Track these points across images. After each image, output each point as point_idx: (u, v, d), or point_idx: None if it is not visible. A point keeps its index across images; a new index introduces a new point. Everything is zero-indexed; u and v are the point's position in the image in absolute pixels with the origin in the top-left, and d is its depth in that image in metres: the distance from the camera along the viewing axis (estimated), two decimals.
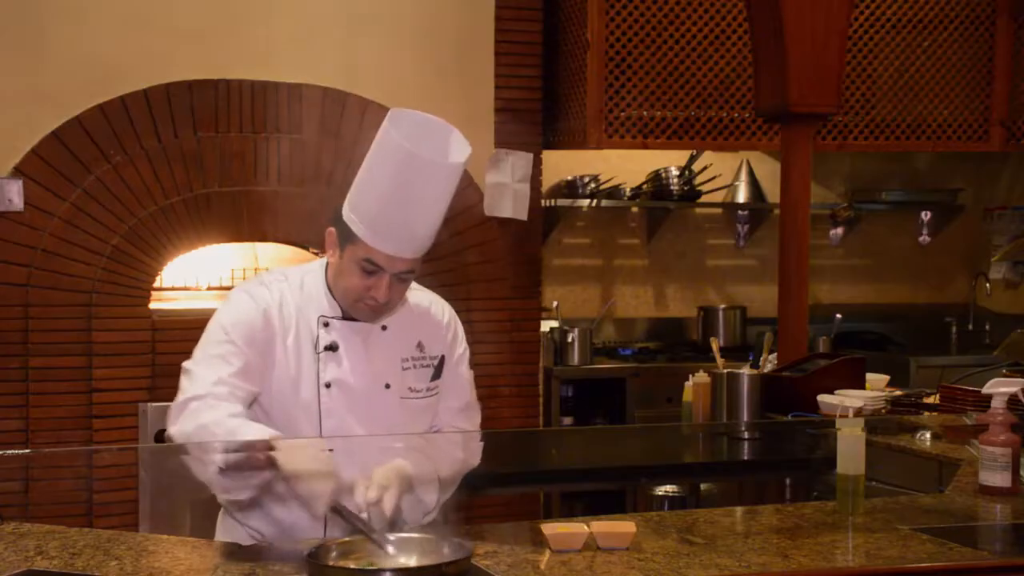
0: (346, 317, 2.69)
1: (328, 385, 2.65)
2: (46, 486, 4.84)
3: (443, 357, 2.80)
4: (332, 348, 2.67)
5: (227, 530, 2.73)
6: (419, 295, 2.82)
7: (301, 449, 2.47)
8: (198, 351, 2.64)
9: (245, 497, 2.54)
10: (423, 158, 2.52)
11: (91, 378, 4.93)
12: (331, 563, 2.20)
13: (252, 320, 2.63)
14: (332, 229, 2.64)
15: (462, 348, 2.86)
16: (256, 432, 2.46)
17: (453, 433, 2.87)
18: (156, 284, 5.17)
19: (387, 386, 2.71)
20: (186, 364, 2.63)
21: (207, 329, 2.66)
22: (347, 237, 2.60)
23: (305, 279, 2.73)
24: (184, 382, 2.59)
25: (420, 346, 2.77)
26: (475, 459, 2.87)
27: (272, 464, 2.42)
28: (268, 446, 2.43)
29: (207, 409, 2.50)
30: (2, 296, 4.85)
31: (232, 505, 2.70)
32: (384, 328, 2.72)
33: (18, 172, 4.85)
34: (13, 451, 4.83)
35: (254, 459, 2.46)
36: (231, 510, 2.73)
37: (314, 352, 2.66)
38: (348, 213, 2.60)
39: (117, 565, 2.28)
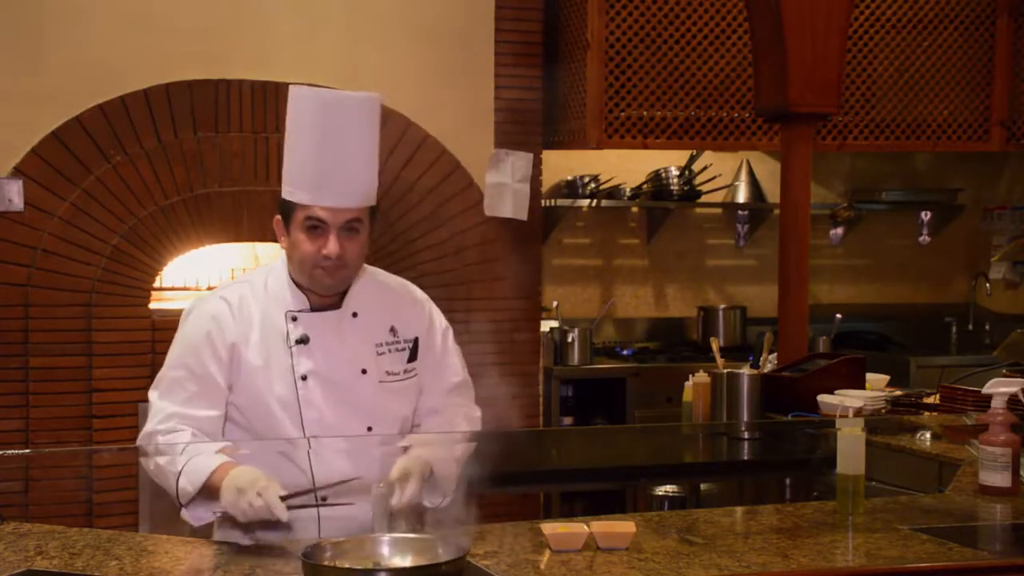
0: (314, 309, 2.71)
1: (304, 377, 2.67)
2: (46, 486, 4.84)
3: (417, 339, 2.81)
4: (303, 341, 2.68)
5: (224, 534, 2.73)
6: (388, 278, 2.88)
7: (230, 479, 2.48)
8: (159, 376, 2.73)
9: (217, 517, 2.58)
10: (333, 97, 2.67)
11: (91, 378, 4.93)
12: (325, 562, 2.20)
13: (199, 337, 2.68)
14: (277, 216, 2.71)
15: (443, 325, 2.89)
16: (204, 465, 2.52)
17: (455, 416, 2.89)
18: (156, 284, 5.18)
19: (363, 372, 2.72)
20: (150, 392, 2.71)
21: (168, 351, 2.75)
22: (289, 211, 2.65)
23: (268, 279, 2.76)
24: (149, 413, 2.68)
25: (393, 330, 2.78)
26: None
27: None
28: (210, 481, 2.50)
29: (163, 449, 2.59)
30: (2, 296, 4.85)
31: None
32: (355, 315, 2.74)
33: (18, 172, 4.85)
34: (13, 451, 4.83)
35: (205, 492, 2.54)
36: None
37: (286, 347, 2.67)
38: (285, 188, 2.67)
39: (117, 565, 2.28)
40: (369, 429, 2.71)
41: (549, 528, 2.43)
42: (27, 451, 4.87)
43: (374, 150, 2.70)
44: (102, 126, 4.96)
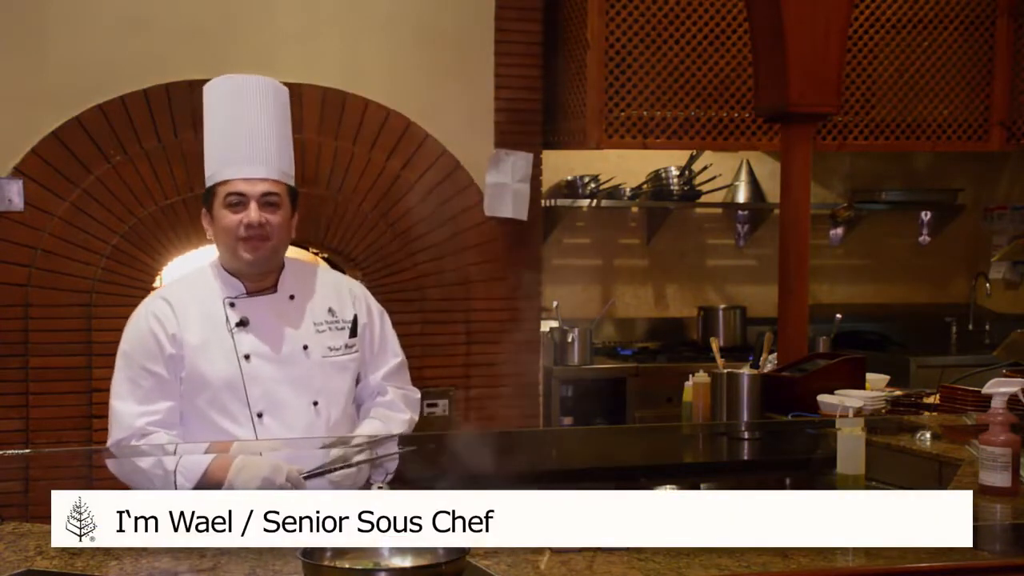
0: (250, 294, 2.83)
1: (247, 357, 2.78)
2: (46, 486, 4.83)
3: (356, 317, 2.94)
4: (243, 323, 2.80)
5: None
6: (322, 269, 3.04)
7: (244, 470, 2.69)
8: (112, 384, 2.83)
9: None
10: (240, 80, 2.92)
11: (91, 378, 4.93)
12: (325, 563, 2.20)
13: (144, 335, 2.82)
14: (203, 208, 2.85)
15: (379, 309, 3.03)
16: (198, 460, 2.71)
17: (394, 399, 3.04)
18: (156, 284, 5.17)
19: (305, 347, 2.84)
20: (110, 401, 2.79)
21: (116, 358, 2.84)
22: (211, 196, 2.82)
23: (203, 275, 2.91)
24: (110, 422, 2.81)
25: (331, 311, 2.91)
26: (417, 415, 3.07)
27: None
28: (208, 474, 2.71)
29: (139, 452, 2.73)
30: (2, 296, 4.85)
31: None
32: (292, 298, 2.87)
33: (18, 172, 4.85)
34: (13, 451, 4.83)
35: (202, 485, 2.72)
36: None
37: (227, 331, 2.79)
38: (207, 177, 2.84)
39: (117, 565, 2.28)
40: (315, 404, 2.83)
41: None
42: (27, 451, 4.87)
43: (284, 130, 2.90)
44: (102, 126, 4.96)
